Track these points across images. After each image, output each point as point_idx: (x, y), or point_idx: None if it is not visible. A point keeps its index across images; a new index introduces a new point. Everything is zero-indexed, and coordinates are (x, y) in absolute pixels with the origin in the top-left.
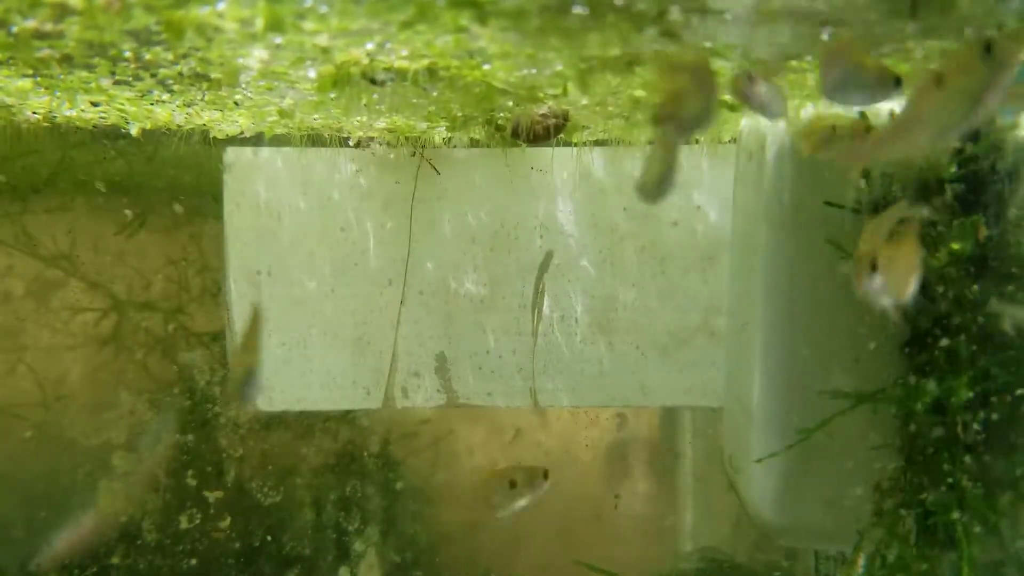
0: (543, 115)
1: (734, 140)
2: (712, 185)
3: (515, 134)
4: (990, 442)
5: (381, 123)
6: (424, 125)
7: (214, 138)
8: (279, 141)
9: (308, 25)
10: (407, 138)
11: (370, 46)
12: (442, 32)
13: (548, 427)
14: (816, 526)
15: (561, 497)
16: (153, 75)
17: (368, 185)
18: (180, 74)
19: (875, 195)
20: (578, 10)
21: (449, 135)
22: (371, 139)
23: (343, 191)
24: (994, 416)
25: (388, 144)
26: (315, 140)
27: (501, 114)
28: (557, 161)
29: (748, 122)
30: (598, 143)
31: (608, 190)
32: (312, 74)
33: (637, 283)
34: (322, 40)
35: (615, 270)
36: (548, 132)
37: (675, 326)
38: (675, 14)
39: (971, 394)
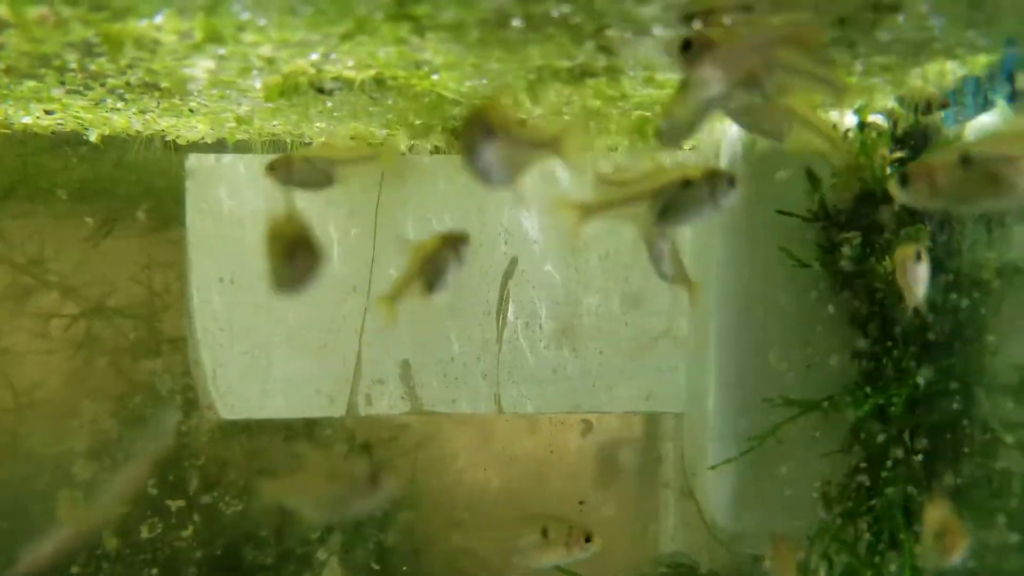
0: None
1: (695, 148)
2: None
3: None
4: (934, 448)
5: (342, 130)
6: (384, 132)
7: (174, 143)
8: (245, 147)
9: (248, 37)
10: (369, 145)
11: (314, 56)
12: (383, 44)
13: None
14: (769, 532)
15: (536, 502)
16: (102, 84)
17: (332, 192)
18: (128, 84)
19: (826, 204)
20: (516, 23)
21: (412, 142)
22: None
23: (307, 197)
24: (937, 423)
25: None
26: (278, 146)
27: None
28: None
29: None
30: None
31: (572, 197)
32: (258, 84)
33: (601, 289)
34: (265, 51)
35: (579, 276)
36: None
37: (639, 332)
38: (613, 31)
39: (913, 399)
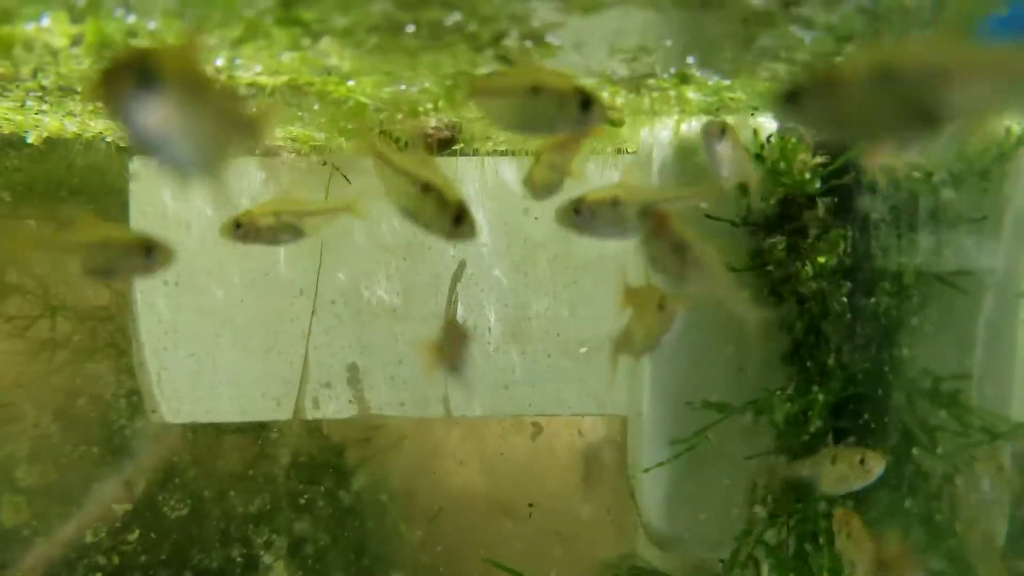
0: (435, 128)
1: (635, 152)
2: None
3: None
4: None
5: (279, 132)
6: (321, 135)
7: (116, 145)
8: None
9: (143, 42)
10: (312, 147)
11: (219, 63)
12: (282, 49)
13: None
14: (702, 535)
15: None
16: (17, 86)
17: (278, 194)
18: (43, 87)
19: (753, 209)
20: (410, 29)
21: (352, 145)
22: (279, 148)
23: (253, 200)
24: (859, 423)
25: (297, 153)
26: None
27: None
28: (468, 171)
29: (644, 133)
30: (505, 153)
31: (521, 199)
32: None
33: (550, 292)
34: None
35: (528, 279)
36: (439, 144)
37: (587, 335)
38: (512, 39)
39: (834, 402)
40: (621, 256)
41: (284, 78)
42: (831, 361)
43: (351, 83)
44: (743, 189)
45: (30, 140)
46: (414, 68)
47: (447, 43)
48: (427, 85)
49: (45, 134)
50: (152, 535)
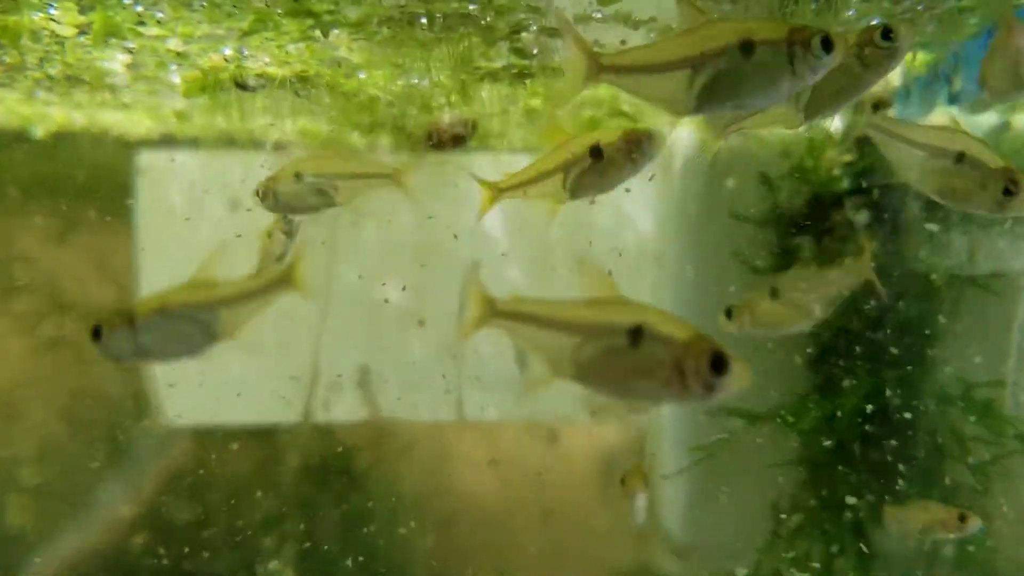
0: (449, 124)
1: None
2: (641, 195)
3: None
4: (885, 459)
5: (289, 126)
6: (329, 128)
7: (123, 138)
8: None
9: (151, 31)
10: (322, 143)
11: (227, 52)
12: (291, 40)
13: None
14: (722, 545)
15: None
16: (25, 76)
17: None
18: (50, 76)
19: (779, 208)
20: (423, 21)
21: (365, 140)
22: (288, 143)
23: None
24: (887, 432)
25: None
26: (232, 143)
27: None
28: (483, 168)
29: (666, 129)
30: (521, 150)
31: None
32: (176, 79)
33: (567, 293)
34: (173, 45)
35: (544, 280)
36: (453, 141)
37: None
38: (529, 31)
39: (861, 410)
40: (639, 257)
41: (293, 69)
42: (859, 367)
43: (362, 75)
44: (769, 186)
45: (38, 134)
46: (425, 60)
47: (462, 35)
48: (441, 79)
49: (53, 128)
50: (158, 539)
